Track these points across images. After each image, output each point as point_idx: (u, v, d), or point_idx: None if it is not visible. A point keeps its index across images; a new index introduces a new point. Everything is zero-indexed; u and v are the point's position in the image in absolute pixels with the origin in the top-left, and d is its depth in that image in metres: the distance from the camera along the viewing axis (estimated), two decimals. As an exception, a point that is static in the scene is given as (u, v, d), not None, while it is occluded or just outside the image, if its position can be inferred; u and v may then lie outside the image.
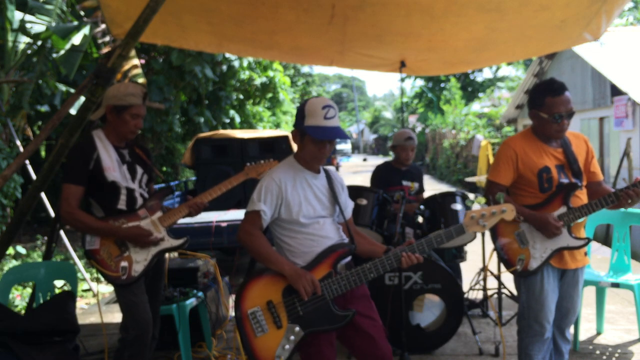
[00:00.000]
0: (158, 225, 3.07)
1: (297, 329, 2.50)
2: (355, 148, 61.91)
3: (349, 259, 2.68)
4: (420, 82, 30.38)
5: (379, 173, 4.70)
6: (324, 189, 2.67)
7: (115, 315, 5.15)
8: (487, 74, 29.70)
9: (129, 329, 2.98)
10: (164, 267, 3.36)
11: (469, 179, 5.67)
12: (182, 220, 3.27)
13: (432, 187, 16.91)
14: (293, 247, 2.60)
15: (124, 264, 2.96)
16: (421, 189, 4.76)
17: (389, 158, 4.79)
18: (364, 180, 5.02)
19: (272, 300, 2.53)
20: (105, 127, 3.10)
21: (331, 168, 2.84)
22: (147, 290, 3.10)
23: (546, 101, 2.89)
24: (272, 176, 2.58)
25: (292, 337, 2.50)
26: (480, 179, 5.52)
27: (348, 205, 2.80)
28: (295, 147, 2.70)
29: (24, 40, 7.13)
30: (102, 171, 2.96)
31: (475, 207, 2.66)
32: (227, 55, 11.37)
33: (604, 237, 7.96)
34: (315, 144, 2.55)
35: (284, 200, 2.56)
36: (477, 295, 5.20)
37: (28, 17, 6.94)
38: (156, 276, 3.24)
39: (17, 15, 6.93)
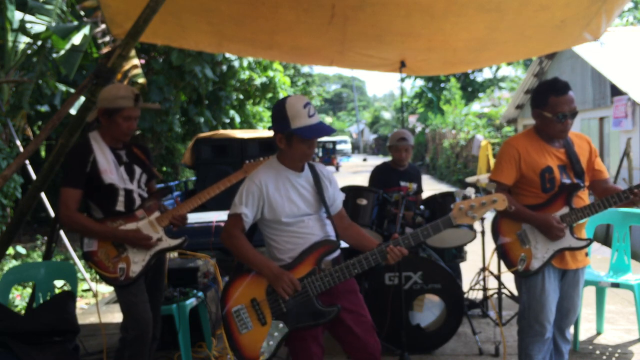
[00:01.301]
0: (156, 226, 3.06)
1: (281, 325, 2.55)
2: (355, 148, 61.91)
3: (335, 255, 2.69)
4: (420, 82, 30.38)
5: (377, 174, 4.69)
6: (309, 186, 2.68)
7: (115, 315, 5.15)
8: (487, 74, 29.74)
9: (128, 329, 2.98)
10: (164, 267, 3.35)
11: (469, 179, 5.66)
12: None
13: (432, 187, 16.91)
14: (279, 245, 2.64)
15: (121, 265, 2.96)
16: (419, 190, 4.76)
17: (389, 158, 4.79)
18: (364, 180, 5.02)
19: (256, 298, 2.59)
20: (101, 129, 3.09)
21: (318, 164, 2.83)
22: (147, 290, 3.09)
23: (550, 100, 2.89)
24: (253, 179, 2.61)
25: (276, 334, 2.55)
26: (480, 178, 5.50)
27: (337, 199, 2.79)
28: None
29: (24, 40, 7.13)
30: (99, 174, 2.95)
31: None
32: (227, 55, 11.36)
33: (604, 237, 7.96)
34: (304, 143, 2.57)
35: (266, 202, 2.59)
36: (477, 295, 5.20)
37: (28, 17, 6.93)
38: (156, 276, 3.23)
39: (17, 15, 6.93)
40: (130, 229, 2.99)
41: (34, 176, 5.79)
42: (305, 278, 2.56)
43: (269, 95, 14.92)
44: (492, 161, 13.95)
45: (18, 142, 6.64)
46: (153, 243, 3.01)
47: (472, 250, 5.34)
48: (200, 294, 4.05)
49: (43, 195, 5.50)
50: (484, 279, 4.80)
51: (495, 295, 4.83)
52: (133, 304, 2.98)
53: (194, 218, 5.38)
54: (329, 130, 2.57)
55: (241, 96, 13.95)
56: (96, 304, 4.30)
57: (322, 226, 2.69)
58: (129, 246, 2.98)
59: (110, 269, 2.95)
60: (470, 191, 2.57)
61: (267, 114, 16.11)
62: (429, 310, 3.99)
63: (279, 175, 2.63)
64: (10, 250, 7.03)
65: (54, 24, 6.99)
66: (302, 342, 2.59)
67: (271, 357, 2.57)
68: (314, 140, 2.59)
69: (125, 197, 3.03)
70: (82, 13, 8.16)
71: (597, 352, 4.06)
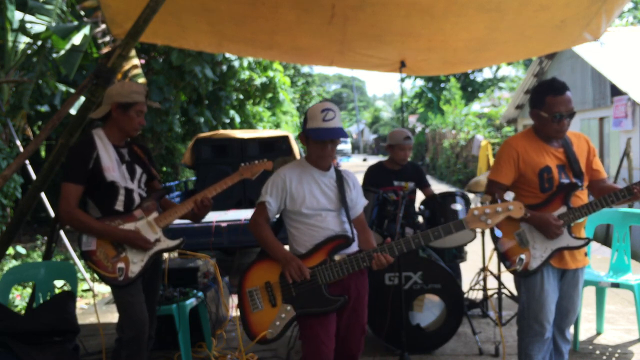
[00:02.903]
0: (154, 226, 3.05)
1: (289, 308, 2.74)
2: (355, 148, 61.90)
3: (351, 250, 2.81)
4: (420, 82, 30.36)
5: (369, 174, 4.69)
6: (332, 186, 2.86)
7: (115, 315, 5.11)
8: (487, 74, 29.70)
9: (125, 329, 2.98)
10: (160, 267, 3.35)
11: (471, 182, 5.66)
12: (183, 220, 3.26)
13: (432, 187, 16.87)
14: (297, 237, 2.83)
15: (120, 265, 2.95)
16: (424, 184, 4.73)
17: (384, 160, 4.79)
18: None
19: (269, 281, 2.79)
20: (106, 126, 3.08)
21: (345, 170, 3.02)
22: (143, 290, 3.09)
23: (547, 100, 2.89)
24: (279, 172, 2.85)
25: (283, 315, 2.74)
26: (480, 179, 5.50)
27: (358, 203, 2.96)
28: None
29: (24, 40, 7.13)
30: (102, 171, 2.95)
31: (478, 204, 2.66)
32: (227, 55, 11.36)
33: (604, 237, 7.96)
34: (317, 144, 2.77)
35: (289, 193, 2.80)
36: (477, 295, 5.20)
37: (28, 17, 6.93)
38: (153, 276, 3.22)
39: (17, 15, 6.92)
40: (130, 230, 2.98)
41: (34, 176, 5.79)
42: (316, 267, 2.73)
43: (269, 95, 14.93)
44: (492, 161, 13.94)
45: (18, 142, 6.64)
46: (151, 246, 3.01)
47: (472, 250, 5.34)
48: (200, 294, 4.05)
49: (43, 195, 5.50)
50: (484, 279, 4.80)
51: (495, 295, 4.83)
52: (130, 304, 2.98)
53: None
54: (336, 134, 2.73)
55: (241, 96, 13.95)
56: (94, 304, 4.29)
57: (340, 223, 2.84)
58: (128, 246, 2.98)
59: (109, 269, 2.94)
60: (475, 200, 2.62)
61: (267, 114, 16.11)
62: (429, 310, 4.00)
63: (304, 171, 2.85)
64: (10, 250, 7.02)
65: (54, 24, 6.99)
66: (310, 331, 2.73)
67: (277, 338, 2.76)
68: (326, 142, 2.76)
69: (126, 196, 3.02)
70: (82, 13, 8.16)
71: (597, 352, 4.06)
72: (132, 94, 3.02)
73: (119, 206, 3.01)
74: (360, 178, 5.22)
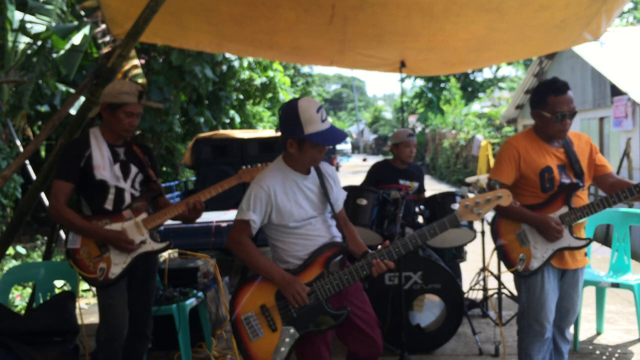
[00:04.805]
0: (141, 227, 3.02)
1: (292, 330, 2.54)
2: (355, 148, 61.87)
3: (341, 256, 2.68)
4: (420, 82, 30.35)
5: (375, 170, 4.69)
6: (315, 188, 2.67)
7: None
8: (487, 74, 29.69)
9: (102, 330, 2.97)
10: (155, 268, 3.30)
11: (469, 180, 5.67)
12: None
13: (432, 187, 16.90)
14: (287, 247, 2.62)
15: (102, 265, 2.94)
16: (421, 189, 4.76)
17: (389, 158, 4.79)
18: (364, 181, 5.01)
19: (265, 304, 2.57)
20: (102, 125, 3.10)
21: (322, 163, 2.78)
22: (137, 291, 3.09)
23: (549, 100, 2.89)
24: (261, 183, 2.57)
25: (287, 340, 2.53)
26: (480, 178, 5.50)
27: (339, 199, 2.79)
28: None
29: (24, 40, 7.13)
30: (92, 169, 2.95)
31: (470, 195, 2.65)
32: (227, 55, 11.36)
33: (604, 237, 7.95)
34: (316, 148, 2.53)
35: (274, 207, 2.56)
36: (477, 295, 5.20)
37: (28, 17, 6.94)
38: (147, 277, 3.20)
39: (17, 15, 6.93)
40: (115, 230, 2.96)
41: (34, 176, 5.79)
42: (314, 282, 2.55)
43: (269, 95, 14.92)
44: (492, 161, 13.93)
45: (18, 142, 6.64)
46: (135, 247, 2.98)
47: (472, 250, 5.34)
48: (200, 294, 4.05)
49: (43, 195, 5.49)
50: (484, 279, 4.80)
51: (495, 295, 4.83)
52: (108, 306, 2.97)
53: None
54: (342, 136, 2.54)
55: (241, 96, 13.95)
56: (78, 307, 4.26)
57: (327, 227, 2.69)
58: (112, 247, 2.96)
59: (90, 269, 2.94)
60: (464, 190, 2.58)
61: (267, 114, 16.10)
62: (429, 310, 3.99)
63: (286, 178, 2.60)
64: (10, 250, 7.02)
65: (54, 24, 6.99)
66: (311, 346, 2.58)
67: None
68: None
69: (116, 195, 3.01)
70: (82, 13, 8.16)
71: (597, 352, 4.06)
72: (120, 95, 2.98)
73: (109, 205, 3.00)
74: (361, 178, 5.19)
